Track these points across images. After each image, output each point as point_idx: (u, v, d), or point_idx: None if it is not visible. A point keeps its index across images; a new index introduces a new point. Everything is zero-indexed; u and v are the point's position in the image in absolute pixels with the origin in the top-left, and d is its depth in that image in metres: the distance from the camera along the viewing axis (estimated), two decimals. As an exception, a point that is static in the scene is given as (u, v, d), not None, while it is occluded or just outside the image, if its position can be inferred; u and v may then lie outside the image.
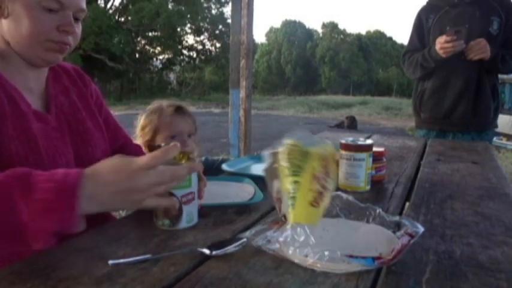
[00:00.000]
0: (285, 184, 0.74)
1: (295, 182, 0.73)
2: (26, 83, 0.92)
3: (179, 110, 1.45)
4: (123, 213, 1.72)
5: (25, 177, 0.66)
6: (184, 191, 0.79)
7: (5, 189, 0.64)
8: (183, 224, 0.81)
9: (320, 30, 42.27)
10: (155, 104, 1.48)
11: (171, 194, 0.78)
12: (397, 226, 0.76)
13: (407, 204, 1.07)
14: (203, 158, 1.66)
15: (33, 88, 0.94)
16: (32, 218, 0.63)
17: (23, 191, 0.64)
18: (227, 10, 25.41)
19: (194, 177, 0.81)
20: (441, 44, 2.07)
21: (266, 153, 0.81)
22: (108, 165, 0.69)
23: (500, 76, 2.36)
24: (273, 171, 0.78)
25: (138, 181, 0.67)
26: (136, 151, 1.20)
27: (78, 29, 0.92)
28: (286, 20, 42.74)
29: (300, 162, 0.73)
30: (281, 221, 0.76)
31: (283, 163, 0.74)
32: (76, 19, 0.91)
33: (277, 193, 0.78)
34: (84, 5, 0.91)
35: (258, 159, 1.46)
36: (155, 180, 0.69)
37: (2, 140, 0.80)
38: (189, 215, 0.82)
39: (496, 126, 2.41)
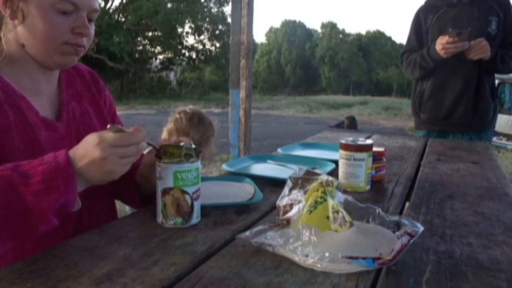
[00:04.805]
0: (310, 197, 0.75)
1: (321, 198, 0.74)
2: (37, 87, 0.91)
3: (191, 121, 1.72)
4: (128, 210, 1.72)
5: (17, 166, 0.71)
6: (195, 187, 0.82)
7: (5, 180, 0.69)
8: (194, 220, 0.83)
9: (320, 30, 42.28)
10: (176, 113, 1.80)
11: (184, 192, 0.80)
12: (397, 226, 0.76)
13: (407, 204, 1.07)
14: None
15: (44, 92, 0.93)
16: (35, 200, 0.69)
17: (21, 178, 0.69)
18: (227, 10, 25.42)
19: (200, 173, 0.84)
20: (443, 44, 2.07)
21: (304, 168, 0.86)
22: (82, 142, 0.75)
23: (500, 76, 2.37)
24: (298, 181, 0.81)
25: (107, 153, 0.72)
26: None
27: (92, 29, 0.91)
28: (285, 20, 42.77)
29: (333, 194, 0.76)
30: (282, 223, 0.76)
31: (319, 184, 0.76)
32: (89, 20, 0.90)
33: (291, 200, 0.79)
34: (97, 5, 0.90)
35: (258, 159, 1.47)
36: (122, 153, 0.74)
37: (7, 154, 0.79)
38: (198, 211, 0.84)
39: (494, 127, 2.41)
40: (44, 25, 0.83)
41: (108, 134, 0.73)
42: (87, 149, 0.73)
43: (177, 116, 1.77)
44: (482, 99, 2.24)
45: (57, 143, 0.88)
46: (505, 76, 7.12)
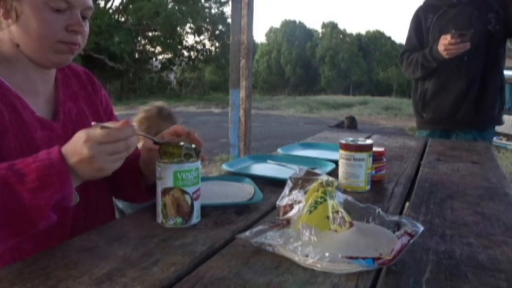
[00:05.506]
0: (310, 197, 0.75)
1: (321, 198, 0.74)
2: (33, 86, 0.91)
3: (161, 113, 1.81)
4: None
5: (11, 165, 0.71)
6: (195, 187, 0.82)
7: (0, 179, 0.69)
8: (194, 220, 0.83)
9: (320, 30, 42.31)
10: (146, 106, 1.88)
11: (184, 192, 0.80)
12: (397, 226, 0.76)
13: (407, 204, 1.07)
14: None
15: (40, 91, 0.92)
16: (32, 197, 0.69)
17: (16, 176, 0.70)
18: (227, 10, 25.43)
19: (200, 173, 0.84)
20: (445, 45, 2.07)
21: (304, 168, 0.86)
22: (72, 139, 0.75)
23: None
24: (298, 182, 0.81)
25: (95, 151, 0.71)
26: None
27: (86, 27, 0.91)
28: (286, 20, 42.79)
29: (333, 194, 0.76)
30: (282, 223, 0.76)
31: (319, 184, 0.76)
32: (83, 17, 0.89)
33: (291, 201, 0.79)
34: (91, 2, 0.90)
35: (258, 159, 1.47)
36: (111, 149, 0.73)
37: (3, 153, 0.79)
38: (198, 211, 0.84)
39: (502, 123, 2.40)
40: (37, 23, 0.83)
41: (96, 131, 0.73)
42: (76, 147, 0.73)
43: (148, 107, 1.87)
44: (486, 98, 2.24)
45: (53, 142, 0.88)
46: (506, 76, 7.12)
